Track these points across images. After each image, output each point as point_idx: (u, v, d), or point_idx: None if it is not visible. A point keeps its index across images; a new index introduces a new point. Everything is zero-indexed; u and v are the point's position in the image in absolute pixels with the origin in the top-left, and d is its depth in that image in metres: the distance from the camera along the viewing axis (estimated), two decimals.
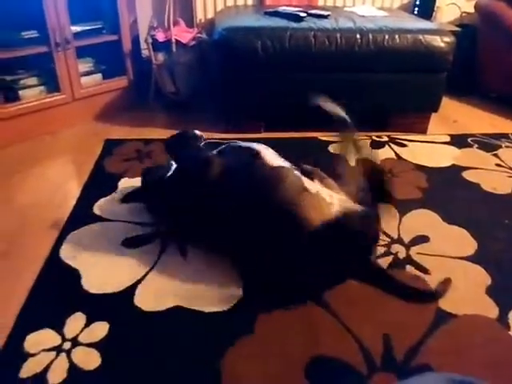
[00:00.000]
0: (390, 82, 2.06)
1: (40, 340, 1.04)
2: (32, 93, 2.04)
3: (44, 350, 1.02)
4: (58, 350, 1.02)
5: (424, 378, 0.55)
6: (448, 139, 2.15)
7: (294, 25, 2.02)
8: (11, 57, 1.91)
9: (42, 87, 2.07)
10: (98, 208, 1.54)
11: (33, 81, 2.05)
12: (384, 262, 1.31)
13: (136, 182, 1.70)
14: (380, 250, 1.36)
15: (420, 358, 1.02)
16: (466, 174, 1.83)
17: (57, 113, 2.11)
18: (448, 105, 2.55)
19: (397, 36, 1.98)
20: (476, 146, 2.09)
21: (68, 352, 1.02)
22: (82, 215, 1.50)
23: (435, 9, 2.71)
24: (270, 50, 1.93)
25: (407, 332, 1.09)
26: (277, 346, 1.05)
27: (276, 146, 1.94)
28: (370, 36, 1.96)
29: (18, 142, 2.00)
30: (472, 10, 2.71)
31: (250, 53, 1.93)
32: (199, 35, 2.33)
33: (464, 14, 2.86)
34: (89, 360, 1.00)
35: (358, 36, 1.96)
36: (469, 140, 2.15)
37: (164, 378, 0.97)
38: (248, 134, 2.07)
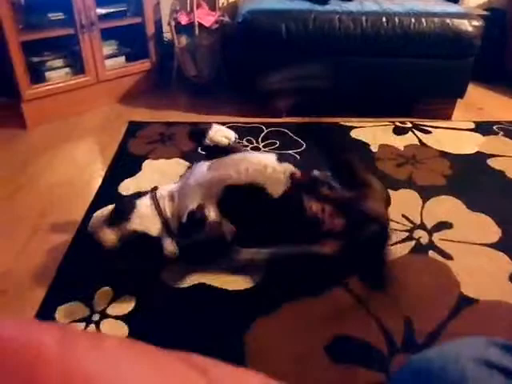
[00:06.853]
0: (415, 67, 2.03)
1: (70, 311, 1.08)
2: (58, 74, 2.08)
3: (74, 321, 1.06)
4: (87, 320, 1.06)
5: (461, 342, 0.54)
6: (473, 126, 2.11)
7: (319, 8, 1.99)
8: (38, 38, 1.94)
9: (67, 69, 2.11)
10: (123, 188, 1.57)
11: (59, 62, 2.09)
12: (406, 247, 1.31)
13: (159, 163, 1.73)
14: (402, 234, 1.36)
15: (441, 342, 1.03)
16: (491, 162, 1.80)
17: (82, 94, 2.14)
18: (474, 91, 2.50)
19: (424, 19, 1.94)
20: (501, 133, 2.05)
21: (97, 323, 1.05)
22: (107, 195, 1.53)
23: None
24: (294, 33, 1.92)
25: (429, 316, 1.10)
26: (300, 323, 1.07)
27: (297, 130, 1.99)
28: (396, 19, 1.93)
29: (45, 122, 2.04)
30: None
31: (274, 36, 1.93)
32: (222, 18, 2.32)
33: None
34: (116, 331, 1.03)
35: (383, 19, 1.93)
36: (494, 127, 2.10)
37: (188, 349, 1.00)
38: (270, 119, 2.08)
